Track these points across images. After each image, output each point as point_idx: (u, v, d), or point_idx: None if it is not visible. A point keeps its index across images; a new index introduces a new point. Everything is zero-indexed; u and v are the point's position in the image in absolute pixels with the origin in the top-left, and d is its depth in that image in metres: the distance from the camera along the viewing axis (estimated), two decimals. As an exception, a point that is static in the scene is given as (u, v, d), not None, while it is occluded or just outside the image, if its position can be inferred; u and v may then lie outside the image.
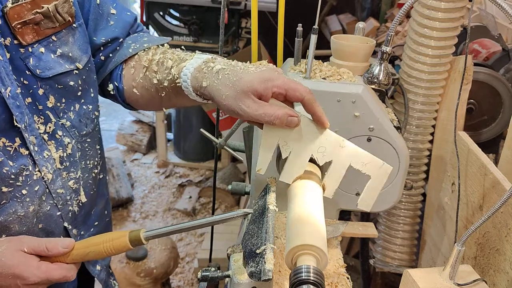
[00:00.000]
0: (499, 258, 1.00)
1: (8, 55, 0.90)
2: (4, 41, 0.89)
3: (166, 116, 4.14)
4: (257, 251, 0.85)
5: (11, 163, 0.94)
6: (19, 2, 0.89)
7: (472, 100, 1.48)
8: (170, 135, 4.41)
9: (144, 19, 3.45)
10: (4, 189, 0.94)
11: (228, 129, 1.21)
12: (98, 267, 1.24)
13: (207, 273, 0.97)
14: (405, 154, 1.17)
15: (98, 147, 1.17)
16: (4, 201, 0.96)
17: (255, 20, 1.39)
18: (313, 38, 1.10)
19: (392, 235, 1.60)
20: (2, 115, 0.90)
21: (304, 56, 1.19)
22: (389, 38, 1.01)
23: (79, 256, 0.97)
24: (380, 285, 1.84)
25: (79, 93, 1.05)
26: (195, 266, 2.83)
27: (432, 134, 1.49)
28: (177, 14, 3.44)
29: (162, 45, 1.15)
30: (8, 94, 0.90)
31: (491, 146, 1.56)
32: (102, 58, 1.13)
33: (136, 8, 5.89)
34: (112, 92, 1.16)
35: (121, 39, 1.13)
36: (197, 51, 1.05)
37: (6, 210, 0.97)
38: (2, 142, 0.92)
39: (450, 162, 1.32)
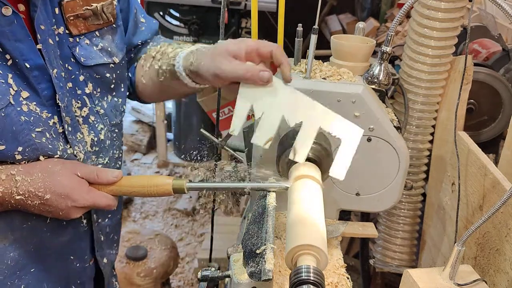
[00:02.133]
0: (499, 258, 1.00)
1: (57, 42, 1.02)
2: (57, 29, 1.02)
3: (166, 116, 4.12)
4: (257, 251, 0.85)
5: (48, 135, 1.02)
6: None
7: (472, 100, 1.48)
8: (170, 135, 4.40)
9: (144, 19, 3.44)
10: (42, 159, 1.01)
11: (228, 129, 1.21)
12: (105, 260, 1.27)
13: (207, 273, 0.97)
14: (405, 154, 1.17)
15: (118, 141, 1.25)
16: None
17: (255, 20, 1.39)
18: (313, 38, 1.10)
19: (392, 235, 1.60)
20: (47, 91, 1.01)
21: (304, 56, 1.19)
22: (389, 38, 1.01)
23: (122, 191, 1.04)
24: (380, 285, 1.84)
25: (112, 86, 1.17)
26: (195, 266, 2.83)
27: (432, 134, 1.49)
28: (177, 14, 3.44)
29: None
30: (55, 75, 1.01)
31: (491, 146, 1.56)
32: (132, 55, 1.29)
33: (136, 8, 5.87)
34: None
35: (149, 41, 1.30)
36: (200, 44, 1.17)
37: None
38: (45, 115, 1.01)
39: (450, 162, 1.32)
